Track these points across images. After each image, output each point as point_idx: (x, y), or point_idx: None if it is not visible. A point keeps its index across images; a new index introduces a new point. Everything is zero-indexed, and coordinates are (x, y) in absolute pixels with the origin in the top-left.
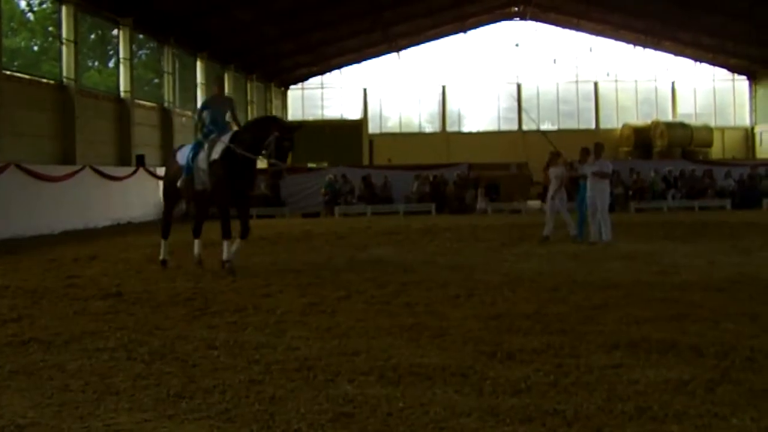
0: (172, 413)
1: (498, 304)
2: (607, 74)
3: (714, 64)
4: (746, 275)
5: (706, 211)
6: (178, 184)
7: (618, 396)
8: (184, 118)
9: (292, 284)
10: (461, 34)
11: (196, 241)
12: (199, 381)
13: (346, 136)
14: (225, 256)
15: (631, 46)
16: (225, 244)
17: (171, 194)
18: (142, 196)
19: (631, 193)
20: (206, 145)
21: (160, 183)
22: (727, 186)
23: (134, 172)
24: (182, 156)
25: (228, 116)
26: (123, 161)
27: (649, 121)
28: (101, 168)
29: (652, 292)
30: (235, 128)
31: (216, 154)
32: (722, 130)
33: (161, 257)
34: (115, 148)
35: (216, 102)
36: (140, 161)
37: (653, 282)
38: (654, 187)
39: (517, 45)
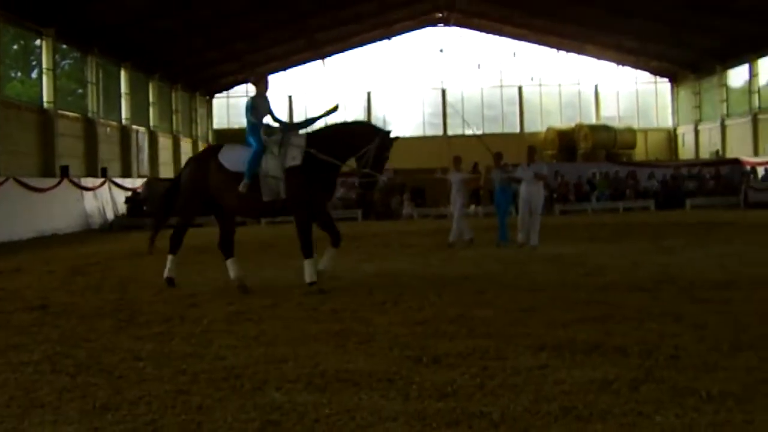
0: (98, 425)
1: (424, 309)
2: (531, 78)
3: (636, 67)
4: (669, 275)
5: (630, 213)
6: (240, 188)
7: (544, 397)
8: (108, 129)
9: (219, 293)
10: (386, 41)
11: (230, 261)
12: (125, 392)
13: None
14: (309, 278)
15: (555, 50)
16: (307, 264)
17: (195, 204)
18: (66, 207)
19: (555, 195)
20: (274, 149)
21: (88, 194)
22: (651, 187)
23: (58, 183)
24: (236, 161)
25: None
26: (47, 172)
27: (573, 124)
28: (25, 179)
29: (577, 293)
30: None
31: (295, 160)
32: (645, 131)
33: (168, 275)
34: (39, 159)
35: (262, 101)
36: (64, 172)
37: (579, 284)
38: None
39: (441, 50)
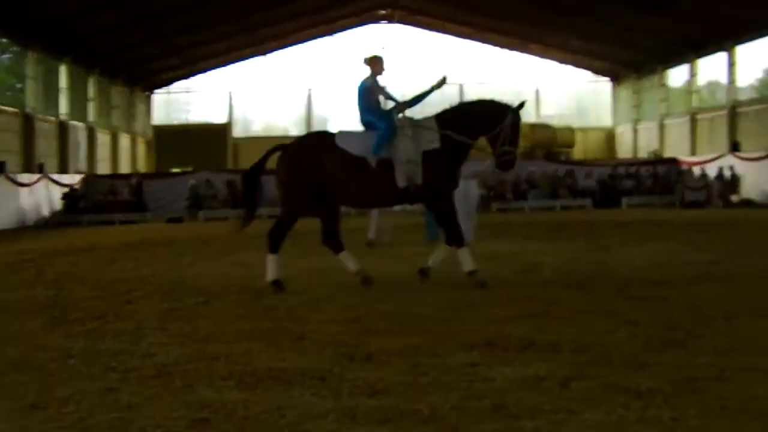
0: (26, 424)
1: (358, 307)
2: (473, 77)
3: (579, 67)
4: (604, 273)
5: (568, 211)
6: (373, 165)
7: (474, 394)
8: (47, 124)
9: (153, 290)
10: (328, 37)
11: (343, 255)
12: (55, 390)
13: (210, 141)
14: (468, 267)
15: (498, 48)
16: (462, 253)
17: (306, 195)
18: (2, 203)
19: (492, 193)
20: (408, 131)
21: (25, 190)
22: (588, 186)
23: None
24: (361, 146)
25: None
26: None
27: None
28: None
29: (512, 291)
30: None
31: (432, 143)
32: (584, 131)
33: (272, 277)
34: None
35: (376, 82)
36: (1, 168)
37: (513, 281)
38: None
39: (383, 48)
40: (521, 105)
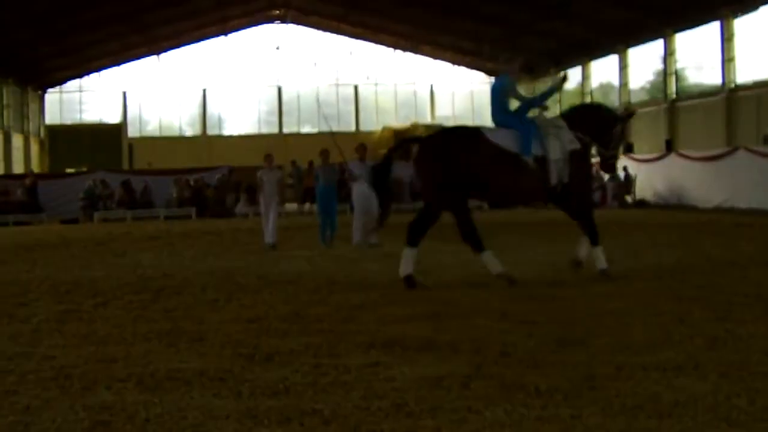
0: None
1: (257, 307)
2: (367, 77)
3: (472, 68)
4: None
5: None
6: (530, 165)
7: (375, 394)
8: None
9: (48, 292)
10: (222, 37)
11: (487, 255)
12: None
13: (105, 141)
14: (601, 264)
15: (391, 50)
16: (597, 251)
17: (456, 187)
18: None
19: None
20: (551, 130)
21: None
22: None
23: None
24: (511, 141)
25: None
26: None
27: (408, 124)
28: None
29: (409, 291)
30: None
31: (573, 143)
32: None
33: (406, 272)
34: None
35: (514, 83)
36: None
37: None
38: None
39: (278, 48)
40: (631, 114)
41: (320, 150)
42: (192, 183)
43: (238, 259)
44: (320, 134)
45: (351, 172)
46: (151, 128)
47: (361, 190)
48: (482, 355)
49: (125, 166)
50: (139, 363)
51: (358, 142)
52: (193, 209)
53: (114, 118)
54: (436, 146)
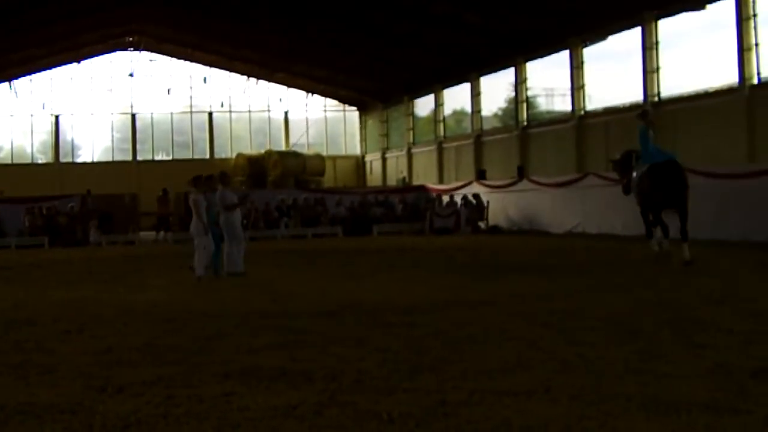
0: None
1: (109, 338)
2: (222, 105)
3: (325, 96)
4: (354, 300)
5: (320, 239)
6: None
7: (228, 423)
8: None
9: None
10: (75, 64)
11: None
12: None
13: None
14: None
15: (245, 77)
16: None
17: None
18: None
19: (245, 222)
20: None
21: None
22: (339, 213)
23: None
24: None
25: None
26: None
27: (262, 151)
28: None
29: (265, 320)
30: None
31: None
32: (334, 159)
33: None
34: None
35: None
36: None
37: (266, 310)
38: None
39: (131, 75)
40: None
41: (217, 173)
42: (44, 212)
43: (91, 289)
44: (174, 161)
45: (234, 199)
46: (3, 155)
47: (236, 218)
48: (336, 383)
49: None
50: None
51: (219, 170)
52: (45, 238)
53: None
54: None
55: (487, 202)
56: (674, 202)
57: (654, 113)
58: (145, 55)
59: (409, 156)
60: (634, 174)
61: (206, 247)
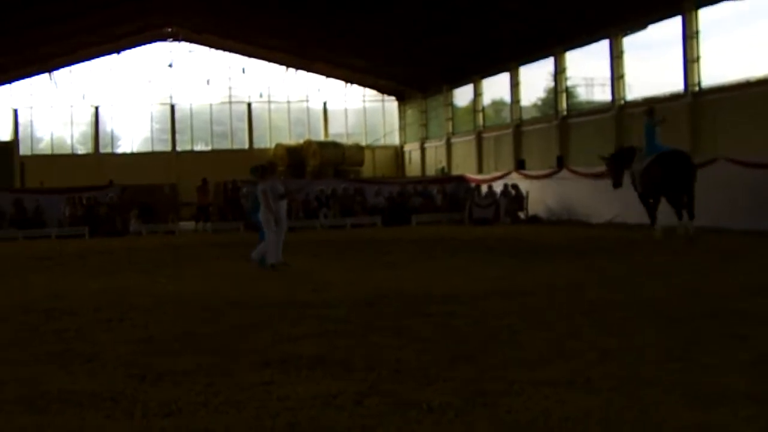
0: None
1: (149, 327)
2: (260, 95)
3: (364, 86)
4: (392, 290)
5: (359, 229)
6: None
7: (268, 413)
8: None
9: None
10: (114, 55)
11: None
12: None
13: None
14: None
15: (284, 67)
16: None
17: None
18: None
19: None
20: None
21: None
22: (378, 203)
23: None
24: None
25: None
26: None
27: (301, 141)
28: None
29: (303, 309)
30: None
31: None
32: (373, 149)
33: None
34: None
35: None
36: None
37: (305, 300)
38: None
39: (170, 65)
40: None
41: (267, 162)
42: (84, 202)
43: (131, 278)
44: (213, 152)
45: (281, 189)
46: (43, 146)
47: (283, 208)
48: (375, 372)
49: (17, 184)
50: (30, 385)
51: (255, 160)
52: (86, 228)
53: (4, 136)
54: None
55: (527, 192)
56: (684, 186)
57: (693, 103)
58: (184, 46)
59: (448, 146)
60: (635, 166)
61: (276, 235)
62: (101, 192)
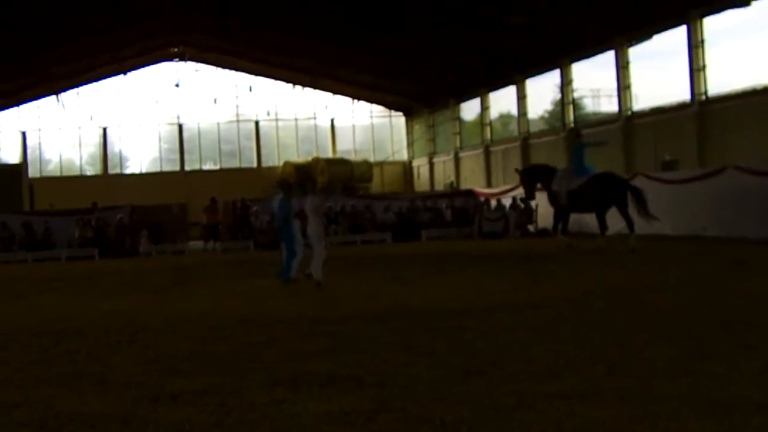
0: None
1: (160, 347)
2: (268, 113)
3: (371, 102)
4: (402, 305)
5: (368, 245)
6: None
7: (280, 431)
8: None
9: None
10: (121, 76)
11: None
12: None
13: (4, 182)
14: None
15: (290, 85)
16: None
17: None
18: None
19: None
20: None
21: None
22: (387, 219)
23: None
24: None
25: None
26: None
27: (309, 158)
28: None
29: (313, 326)
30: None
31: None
32: (381, 165)
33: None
34: None
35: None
36: None
37: (315, 316)
38: None
39: (177, 85)
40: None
41: (296, 179)
42: (93, 223)
43: (141, 299)
44: (222, 171)
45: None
46: (52, 168)
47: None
48: (387, 388)
49: (26, 207)
50: (41, 407)
51: (264, 178)
52: (95, 249)
53: (13, 159)
54: None
55: (536, 205)
56: (620, 205)
57: (700, 112)
58: (191, 66)
59: (457, 160)
60: (560, 184)
61: (323, 252)
62: (111, 212)
